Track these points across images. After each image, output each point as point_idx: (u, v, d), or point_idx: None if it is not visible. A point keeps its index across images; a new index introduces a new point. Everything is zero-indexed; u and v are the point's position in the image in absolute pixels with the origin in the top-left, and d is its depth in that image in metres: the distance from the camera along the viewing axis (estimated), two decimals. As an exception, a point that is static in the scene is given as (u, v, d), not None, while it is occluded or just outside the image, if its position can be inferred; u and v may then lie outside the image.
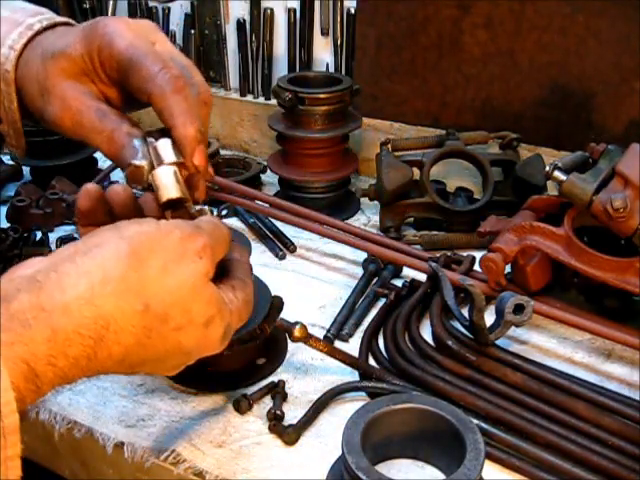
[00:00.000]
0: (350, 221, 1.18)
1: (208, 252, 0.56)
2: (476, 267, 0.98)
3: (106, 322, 0.49)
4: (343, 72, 1.35)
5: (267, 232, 1.15)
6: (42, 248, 1.07)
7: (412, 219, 1.16)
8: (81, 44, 0.64)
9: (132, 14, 1.50)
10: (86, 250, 0.51)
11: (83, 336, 0.48)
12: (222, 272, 0.61)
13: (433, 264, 0.95)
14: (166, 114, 0.61)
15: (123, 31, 0.63)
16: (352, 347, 0.88)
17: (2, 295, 0.47)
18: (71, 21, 0.70)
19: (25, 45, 0.66)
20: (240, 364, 0.83)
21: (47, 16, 0.69)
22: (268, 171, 1.27)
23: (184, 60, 0.67)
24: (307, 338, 0.77)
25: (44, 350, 0.47)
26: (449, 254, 1.01)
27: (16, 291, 0.48)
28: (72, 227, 1.16)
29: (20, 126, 0.69)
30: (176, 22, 1.51)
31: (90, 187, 0.60)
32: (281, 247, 1.11)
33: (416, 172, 1.12)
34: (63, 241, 1.10)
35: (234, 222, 1.19)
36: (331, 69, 1.37)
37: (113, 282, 0.50)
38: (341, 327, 0.91)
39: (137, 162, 0.61)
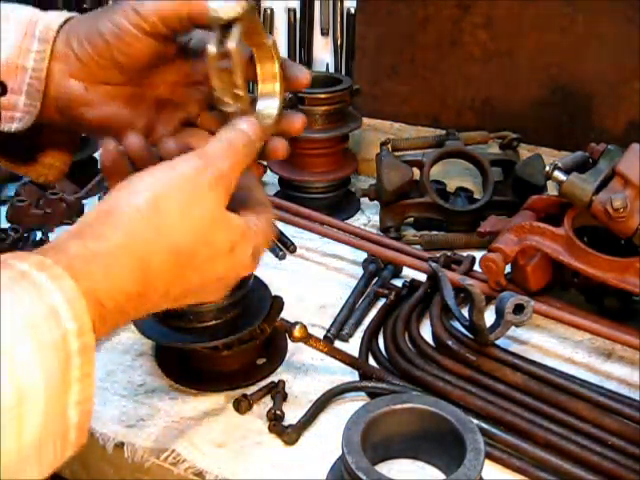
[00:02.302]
0: (350, 221, 1.18)
1: (220, 182, 0.57)
2: (476, 267, 0.98)
3: (146, 265, 0.53)
4: (343, 72, 1.36)
5: (267, 232, 1.15)
6: (42, 248, 1.07)
7: (412, 219, 1.16)
8: None
9: (132, 14, 1.50)
10: (103, 219, 0.53)
11: (131, 274, 0.53)
12: (240, 197, 0.62)
13: (433, 264, 0.95)
14: None
15: None
16: (352, 347, 0.88)
17: (55, 246, 0.51)
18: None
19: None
20: (240, 364, 0.83)
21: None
22: (268, 171, 1.27)
23: None
24: (307, 338, 0.77)
25: (104, 285, 0.51)
26: (449, 254, 1.01)
27: (64, 244, 0.51)
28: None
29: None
30: (176, 22, 1.51)
31: (108, 142, 0.62)
32: (281, 247, 1.11)
33: (416, 172, 1.12)
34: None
35: (234, 222, 1.19)
36: (331, 69, 1.37)
37: (138, 237, 0.53)
38: (341, 327, 0.91)
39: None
